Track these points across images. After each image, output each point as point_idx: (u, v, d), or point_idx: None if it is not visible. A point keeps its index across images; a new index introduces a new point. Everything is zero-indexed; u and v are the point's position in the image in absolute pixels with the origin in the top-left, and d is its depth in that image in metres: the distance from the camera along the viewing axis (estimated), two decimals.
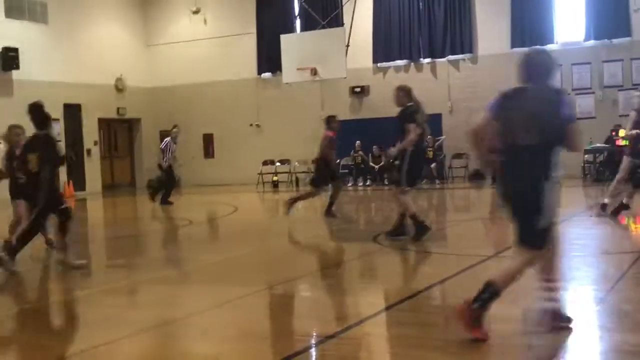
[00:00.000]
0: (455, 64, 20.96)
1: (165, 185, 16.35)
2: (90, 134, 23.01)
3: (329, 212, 12.08)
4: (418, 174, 8.93)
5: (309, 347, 4.65)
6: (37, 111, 7.78)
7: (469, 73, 20.59)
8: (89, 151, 22.68)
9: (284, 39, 21.09)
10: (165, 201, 16.02)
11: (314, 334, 4.95)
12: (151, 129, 25.04)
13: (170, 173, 16.31)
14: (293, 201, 12.33)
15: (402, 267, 7.68)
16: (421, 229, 8.70)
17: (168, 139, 16.43)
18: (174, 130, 16.51)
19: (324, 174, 12.25)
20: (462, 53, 20.74)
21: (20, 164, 7.98)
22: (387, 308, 5.69)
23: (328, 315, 5.60)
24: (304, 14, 22.50)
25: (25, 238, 7.68)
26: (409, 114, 8.95)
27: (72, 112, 22.05)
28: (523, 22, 19.92)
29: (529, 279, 4.89)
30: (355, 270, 7.70)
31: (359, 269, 7.82)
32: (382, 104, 21.44)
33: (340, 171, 21.86)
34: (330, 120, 12.42)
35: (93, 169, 22.90)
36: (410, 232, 8.83)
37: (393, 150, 9.07)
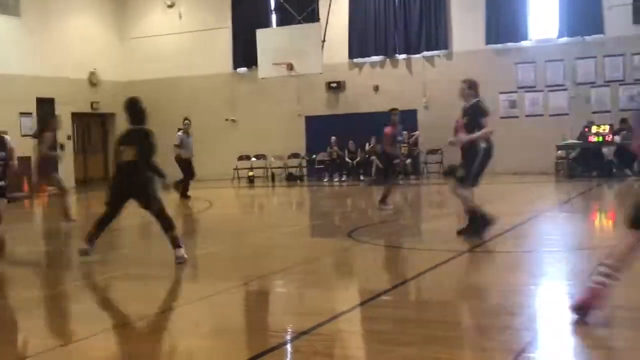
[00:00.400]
0: (430, 60, 21.06)
1: (185, 178, 16.09)
2: (64, 128, 22.73)
3: (383, 202, 12.15)
4: (482, 173, 8.62)
5: (283, 343, 4.65)
6: (133, 106, 7.98)
7: (444, 69, 20.69)
8: (62, 146, 22.36)
9: (260, 33, 21.04)
10: (184, 195, 15.83)
11: (289, 329, 4.95)
12: (125, 123, 24.76)
13: (189, 166, 16.15)
14: (382, 200, 12.28)
15: (377, 263, 7.71)
16: (485, 222, 8.35)
17: (180, 133, 16.23)
18: (185, 122, 16.33)
19: (387, 167, 12.64)
20: (438, 49, 20.84)
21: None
22: (362, 304, 5.71)
23: (302, 311, 5.61)
24: (279, 8, 22.46)
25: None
26: (482, 108, 8.59)
27: (45, 106, 21.78)
28: (497, 18, 20.06)
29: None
30: (330, 266, 7.71)
31: (334, 264, 7.83)
32: (358, 100, 21.54)
33: (316, 166, 21.94)
34: (390, 115, 12.62)
35: (66, 163, 22.63)
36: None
37: (463, 138, 8.51)
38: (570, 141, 18.31)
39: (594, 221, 10.90)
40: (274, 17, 22.97)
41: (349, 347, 4.62)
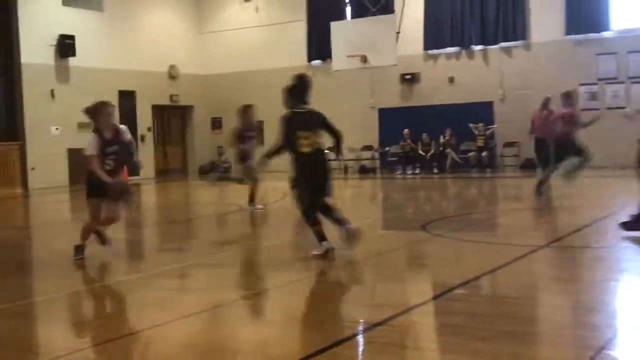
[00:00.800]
0: (507, 51, 20.65)
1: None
2: (144, 120, 23.43)
3: (538, 191, 12.00)
4: None
5: (357, 334, 4.70)
6: (304, 82, 7.71)
7: (522, 60, 20.27)
8: (142, 137, 23.09)
9: (334, 26, 21.07)
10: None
11: (362, 320, 4.99)
12: (204, 116, 25.39)
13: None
14: (539, 187, 12.06)
15: (451, 256, 7.66)
16: None
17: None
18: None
19: (561, 151, 11.84)
20: (515, 40, 20.42)
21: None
22: (436, 297, 5.70)
23: (376, 303, 5.64)
24: (354, 1, 22.43)
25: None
26: None
27: (127, 98, 22.46)
28: (578, 8, 19.49)
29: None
30: (404, 259, 7.71)
31: (407, 257, 7.83)
32: (432, 92, 21.35)
33: (389, 159, 21.85)
34: (568, 96, 12.05)
35: (147, 154, 23.33)
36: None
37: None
38: None
39: None
40: (348, 9, 22.97)
41: (422, 339, 4.62)
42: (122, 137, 7.62)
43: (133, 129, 22.64)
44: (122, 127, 7.78)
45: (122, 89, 22.09)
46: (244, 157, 12.21)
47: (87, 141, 7.51)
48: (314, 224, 7.29)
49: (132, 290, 6.42)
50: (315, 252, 7.18)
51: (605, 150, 18.48)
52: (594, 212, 10.05)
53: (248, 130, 12.35)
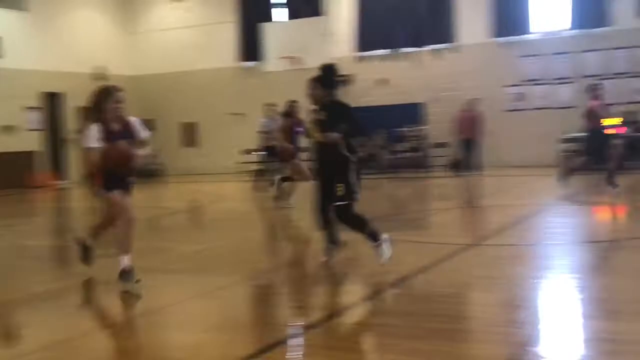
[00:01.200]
0: (437, 53, 21.03)
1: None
2: (71, 122, 22.86)
3: (610, 182, 11.95)
4: None
5: (289, 337, 4.71)
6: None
7: (451, 62, 20.67)
8: (67, 140, 22.52)
9: (266, 27, 21.08)
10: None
11: (295, 323, 5.01)
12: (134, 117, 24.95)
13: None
14: (567, 172, 12.00)
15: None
16: None
17: (264, 120, 15.55)
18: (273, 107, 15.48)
19: (594, 144, 11.98)
20: (444, 42, 20.82)
21: None
22: (367, 297, 5.76)
23: (310, 305, 5.66)
24: (286, 2, 22.46)
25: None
26: None
27: (53, 100, 21.88)
28: (502, 11, 20.02)
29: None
30: (337, 260, 7.76)
31: (340, 258, 7.88)
32: (365, 93, 21.54)
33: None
34: (594, 88, 12.16)
35: (73, 158, 22.79)
36: None
37: None
38: (574, 134, 18.27)
39: (599, 214, 10.91)
40: (279, 11, 22.98)
41: (357, 341, 4.68)
42: (132, 130, 6.40)
43: (59, 131, 22.13)
44: (134, 119, 6.56)
45: (48, 90, 21.52)
46: (292, 154, 11.86)
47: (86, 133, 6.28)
48: (362, 222, 6.73)
49: (62, 298, 6.26)
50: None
51: (528, 149, 19.07)
52: (518, 210, 10.34)
53: (297, 125, 11.72)
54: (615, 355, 4.03)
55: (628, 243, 7.65)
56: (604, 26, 19.02)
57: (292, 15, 21.77)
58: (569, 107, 18.90)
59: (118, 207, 6.25)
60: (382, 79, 21.47)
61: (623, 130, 16.95)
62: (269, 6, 22.92)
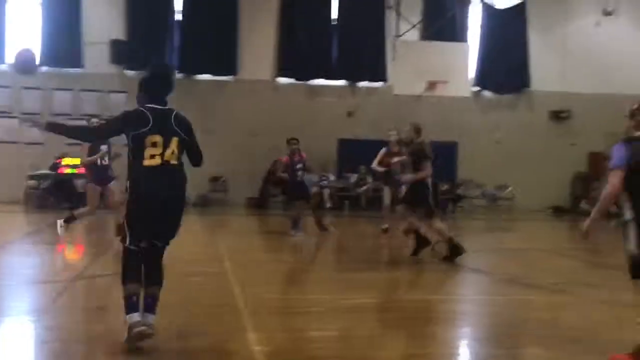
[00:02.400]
0: None
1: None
2: None
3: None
4: None
5: None
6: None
7: None
8: None
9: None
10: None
11: None
12: None
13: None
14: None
15: None
16: None
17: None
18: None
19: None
20: None
21: None
22: None
23: None
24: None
25: None
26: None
27: None
28: None
29: None
30: None
31: None
32: None
33: None
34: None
35: None
36: None
37: None
38: (42, 171, 18.16)
39: (59, 252, 10.85)
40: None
41: None
42: None
43: None
44: None
45: None
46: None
47: None
48: None
49: None
50: None
51: None
52: None
53: (298, 162, 12.52)
54: None
55: (80, 282, 7.75)
56: (76, 67, 19.57)
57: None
58: (37, 144, 18.65)
59: None
60: None
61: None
62: None
